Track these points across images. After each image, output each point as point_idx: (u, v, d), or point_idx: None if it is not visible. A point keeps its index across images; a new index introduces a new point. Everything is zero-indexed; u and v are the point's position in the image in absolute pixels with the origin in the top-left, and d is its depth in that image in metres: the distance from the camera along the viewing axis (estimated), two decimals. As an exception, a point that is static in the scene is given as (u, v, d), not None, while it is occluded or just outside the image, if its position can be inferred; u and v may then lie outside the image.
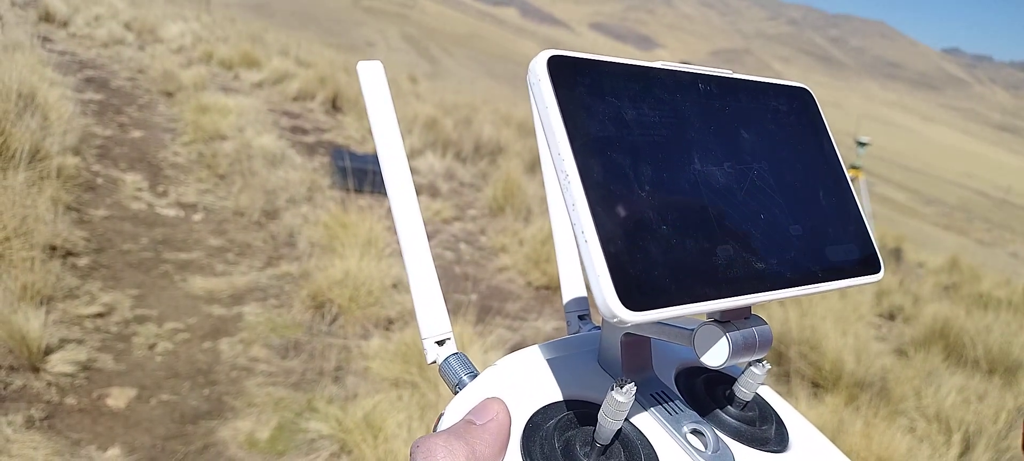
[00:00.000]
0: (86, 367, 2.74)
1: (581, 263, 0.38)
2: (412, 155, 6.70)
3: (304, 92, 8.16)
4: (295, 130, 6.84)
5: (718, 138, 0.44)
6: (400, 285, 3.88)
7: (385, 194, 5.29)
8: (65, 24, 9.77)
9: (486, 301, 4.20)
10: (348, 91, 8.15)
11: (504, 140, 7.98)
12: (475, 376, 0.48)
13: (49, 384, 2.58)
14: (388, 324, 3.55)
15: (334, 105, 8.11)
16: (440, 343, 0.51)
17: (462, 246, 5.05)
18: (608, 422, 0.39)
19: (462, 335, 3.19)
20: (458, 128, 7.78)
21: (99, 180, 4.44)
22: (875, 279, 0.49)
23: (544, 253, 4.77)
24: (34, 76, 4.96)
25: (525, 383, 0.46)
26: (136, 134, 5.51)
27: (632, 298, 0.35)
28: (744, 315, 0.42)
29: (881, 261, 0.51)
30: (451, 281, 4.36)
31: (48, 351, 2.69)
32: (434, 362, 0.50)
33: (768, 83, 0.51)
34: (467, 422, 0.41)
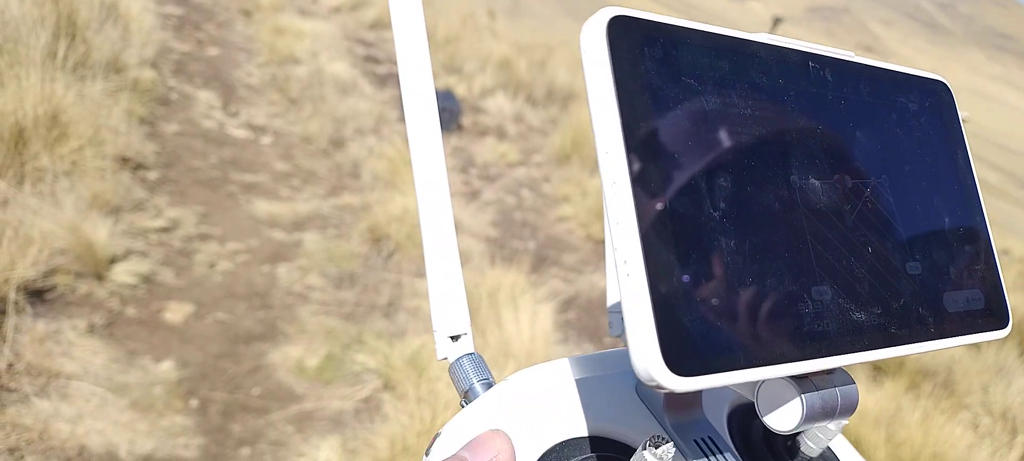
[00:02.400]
0: (148, 279, 2.83)
1: (620, 297, 0.28)
2: (482, 95, 6.67)
3: (380, 21, 8.15)
4: (368, 59, 6.86)
5: (827, 141, 0.35)
6: (457, 227, 3.88)
7: (450, 131, 5.26)
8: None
9: (543, 250, 4.18)
10: (427, 22, 8.12)
11: (578, 86, 7.87)
12: (489, 385, 0.42)
13: (111, 293, 2.67)
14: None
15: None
16: (454, 339, 0.44)
17: (524, 192, 5.03)
18: None
19: (515, 284, 3.19)
20: (532, 70, 7.69)
21: (173, 95, 4.53)
22: (1000, 336, 0.40)
23: (606, 206, 4.72)
24: (118, -13, 5.05)
25: (543, 408, 0.39)
26: (212, 52, 5.60)
27: (683, 359, 0.26)
28: (827, 370, 0.34)
29: (1010, 314, 0.41)
30: (510, 227, 4.35)
31: (113, 261, 2.77)
32: (445, 359, 0.44)
33: (897, 72, 0.40)
34: (459, 460, 0.34)
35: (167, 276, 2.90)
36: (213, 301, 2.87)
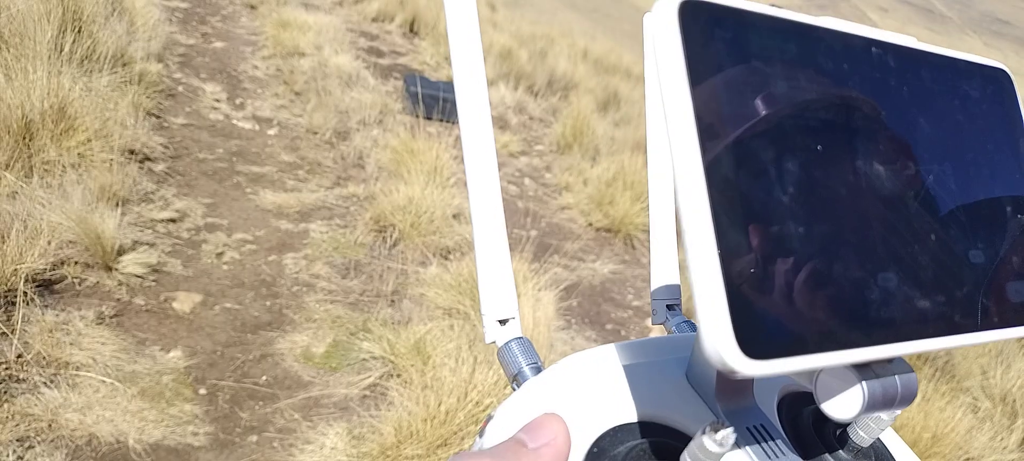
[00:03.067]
0: (156, 270, 2.86)
1: (685, 261, 0.28)
2: (485, 85, 6.67)
3: (383, 13, 8.17)
4: (371, 52, 6.88)
5: (891, 128, 0.34)
6: (461, 216, 3.91)
7: (454, 122, 5.29)
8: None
9: (545, 238, 4.21)
10: (427, 14, 8.14)
11: (578, 76, 7.88)
12: (538, 369, 0.42)
13: (120, 283, 2.71)
14: (446, 253, 3.60)
15: (412, 28, 8.11)
16: (502, 323, 0.44)
17: (526, 181, 5.06)
18: None
19: (517, 271, 3.22)
20: (533, 60, 7.70)
21: (180, 88, 4.56)
22: None
23: (608, 194, 4.74)
24: (123, -19, 5.08)
25: (595, 393, 0.38)
26: (218, 45, 5.63)
27: (755, 343, 0.26)
28: (887, 359, 0.33)
29: None
30: (512, 216, 4.38)
31: (121, 252, 2.81)
32: (493, 343, 0.44)
33: (959, 59, 0.40)
34: (517, 443, 0.34)
35: (175, 266, 2.94)
36: (221, 290, 2.91)
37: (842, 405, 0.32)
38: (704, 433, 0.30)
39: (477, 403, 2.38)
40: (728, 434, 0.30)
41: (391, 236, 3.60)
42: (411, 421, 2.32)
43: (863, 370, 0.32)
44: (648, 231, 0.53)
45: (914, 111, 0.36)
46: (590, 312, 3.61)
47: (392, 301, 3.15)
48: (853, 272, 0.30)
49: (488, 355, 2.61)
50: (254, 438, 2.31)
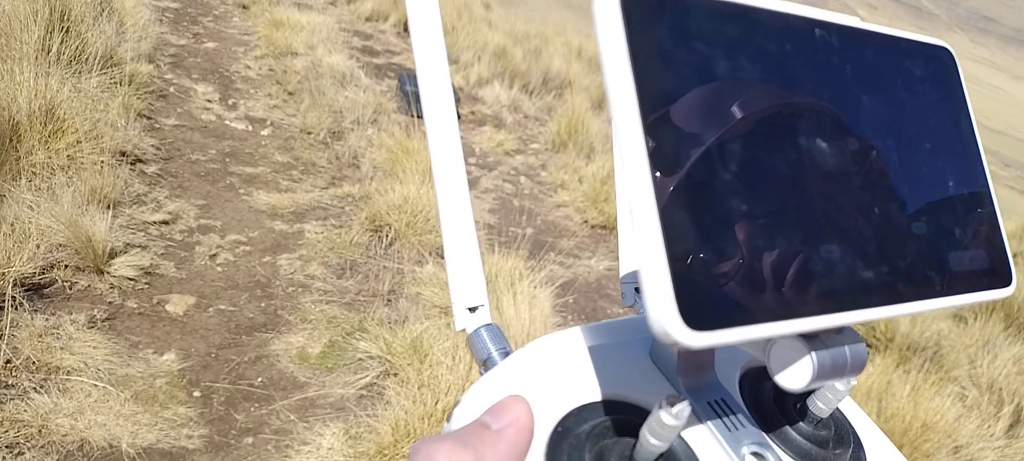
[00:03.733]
0: (148, 272, 2.82)
1: (637, 255, 0.29)
2: (479, 84, 6.66)
3: (377, 12, 8.14)
4: (365, 51, 6.85)
5: (834, 105, 0.35)
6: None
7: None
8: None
9: (541, 236, 4.18)
10: (420, 14, 8.10)
11: (573, 74, 7.85)
12: (506, 354, 0.43)
13: (112, 286, 2.67)
14: (442, 252, 3.57)
15: (405, 28, 8.07)
16: (472, 310, 0.45)
17: (522, 179, 5.03)
18: (651, 443, 0.32)
19: (513, 269, 3.19)
20: (527, 59, 7.67)
21: (171, 89, 4.52)
22: (1004, 295, 0.40)
23: (603, 192, 4.72)
24: (113, -18, 5.04)
25: (560, 374, 0.39)
26: (209, 45, 5.58)
27: (698, 315, 0.27)
28: (836, 329, 0.34)
29: (1014, 273, 0.41)
30: (508, 214, 4.35)
31: (112, 254, 2.77)
32: (463, 330, 0.45)
33: (902, 38, 0.40)
34: (481, 425, 0.35)
35: (168, 269, 2.90)
36: (214, 292, 2.87)
37: (794, 375, 0.33)
38: (660, 407, 0.31)
39: (475, 402, 2.35)
40: (684, 407, 0.31)
41: (387, 236, 3.56)
42: (408, 420, 2.28)
43: (813, 341, 0.33)
44: None
45: (857, 89, 0.36)
46: (586, 309, 3.58)
47: (388, 300, 3.11)
48: (796, 245, 0.31)
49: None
50: (250, 440, 2.27)
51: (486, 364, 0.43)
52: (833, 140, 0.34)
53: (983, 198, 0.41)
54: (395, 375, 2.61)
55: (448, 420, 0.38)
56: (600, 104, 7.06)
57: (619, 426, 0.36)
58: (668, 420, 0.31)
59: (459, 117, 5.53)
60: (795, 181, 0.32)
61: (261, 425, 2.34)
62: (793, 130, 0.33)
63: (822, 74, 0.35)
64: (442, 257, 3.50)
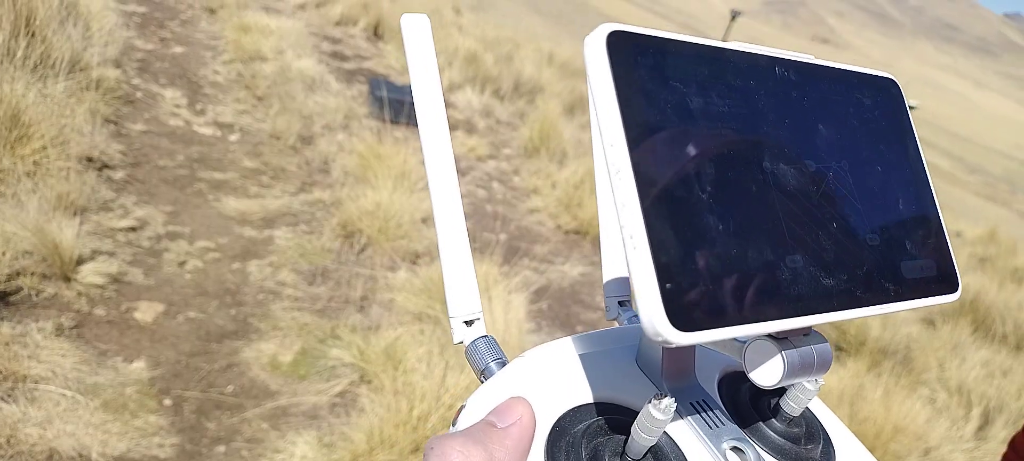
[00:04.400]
0: (116, 279, 2.78)
1: (627, 268, 0.34)
2: (450, 89, 6.65)
3: (346, 17, 8.11)
4: (335, 56, 6.81)
5: (794, 132, 0.39)
6: (430, 220, 3.88)
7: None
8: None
9: (514, 242, 4.18)
10: (391, 19, 8.08)
11: (544, 80, 7.88)
12: (503, 363, 0.46)
13: (79, 294, 2.63)
14: (415, 258, 3.56)
15: (375, 32, 8.05)
16: (469, 324, 0.48)
17: (494, 185, 5.03)
18: (642, 437, 0.36)
19: (487, 275, 3.19)
20: (499, 64, 7.68)
21: (138, 94, 4.47)
22: (951, 300, 0.45)
23: (576, 197, 4.74)
24: (78, -15, 4.97)
25: (555, 380, 0.43)
26: (177, 50, 5.52)
27: (682, 317, 0.31)
28: (803, 332, 0.39)
29: (959, 280, 0.46)
30: (481, 220, 4.35)
31: (80, 261, 2.73)
32: (461, 343, 0.48)
33: (852, 71, 0.45)
34: (487, 424, 0.38)
35: (136, 276, 2.86)
36: (184, 300, 2.84)
37: (766, 373, 0.38)
38: (650, 403, 0.35)
39: (449, 407, 2.35)
40: (670, 403, 0.35)
41: (359, 241, 3.55)
42: (383, 427, 2.27)
43: (783, 342, 0.37)
44: None
45: (814, 118, 0.41)
46: (560, 314, 3.59)
47: (361, 307, 3.10)
48: (765, 256, 0.35)
49: (460, 359, 2.58)
50: (222, 448, 2.25)
51: (483, 374, 0.46)
52: (793, 162, 0.39)
53: (929, 212, 0.46)
54: (369, 382, 2.60)
55: (454, 424, 0.41)
56: (572, 109, 7.09)
57: (611, 424, 0.40)
58: (657, 415, 0.35)
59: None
60: (763, 200, 0.36)
61: (233, 434, 2.32)
62: (758, 154, 0.37)
63: (783, 105, 0.39)
64: (414, 263, 3.49)
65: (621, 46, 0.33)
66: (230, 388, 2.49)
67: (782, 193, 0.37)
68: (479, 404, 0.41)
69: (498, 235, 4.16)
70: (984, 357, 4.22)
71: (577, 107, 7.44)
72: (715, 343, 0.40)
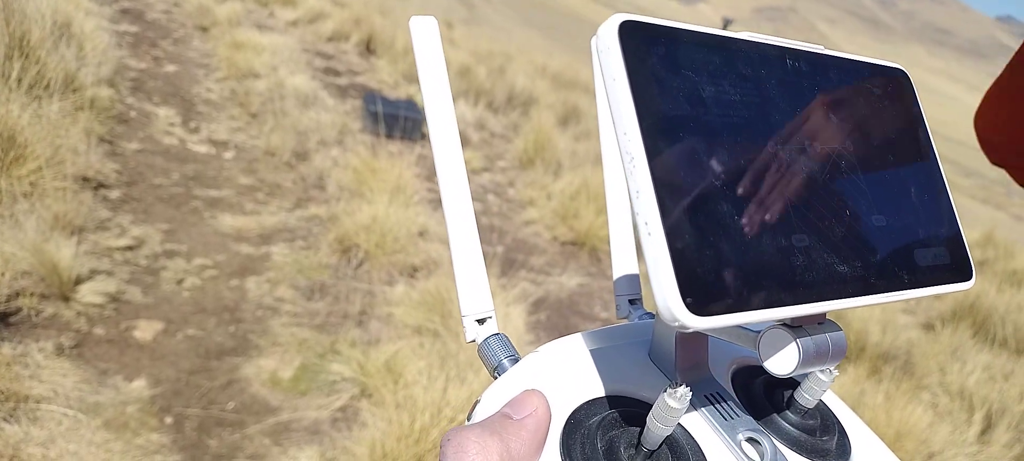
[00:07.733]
0: (115, 298, 2.78)
1: (641, 255, 0.34)
2: (444, 102, 6.66)
3: (339, 33, 8.13)
4: (328, 71, 6.83)
5: (805, 121, 0.40)
6: (426, 234, 3.88)
7: (415, 140, 5.27)
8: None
9: (511, 254, 4.19)
10: (382, 34, 8.11)
11: (537, 91, 7.91)
12: (516, 360, 0.46)
13: (78, 313, 2.63)
14: (413, 272, 3.57)
15: (368, 48, 8.07)
16: (480, 322, 0.48)
17: (490, 197, 5.04)
18: (657, 427, 0.36)
19: (486, 287, 3.19)
20: (491, 77, 7.71)
21: (132, 113, 4.47)
22: (966, 287, 0.45)
23: (572, 208, 4.75)
24: (70, 5, 4.97)
25: (568, 374, 0.44)
26: (170, 68, 5.53)
27: (698, 302, 0.31)
28: (818, 320, 0.39)
29: (973, 267, 0.46)
30: (478, 232, 4.35)
31: (78, 281, 2.73)
32: (473, 341, 0.48)
33: (862, 62, 0.45)
34: (503, 416, 0.38)
35: (135, 294, 2.86)
36: (183, 317, 2.84)
37: (781, 361, 0.37)
38: (665, 392, 0.35)
39: (451, 420, 2.35)
40: (685, 392, 0.35)
41: (356, 256, 3.55)
42: (385, 441, 2.27)
43: (797, 330, 0.37)
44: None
45: (824, 107, 0.41)
46: (559, 325, 3.60)
47: (360, 321, 3.10)
48: (779, 243, 0.35)
49: (460, 371, 2.59)
50: (223, 466, 2.25)
51: (497, 370, 0.46)
52: (806, 151, 0.39)
53: (942, 200, 0.46)
54: (370, 396, 2.60)
55: (469, 418, 0.42)
56: (566, 120, 7.11)
57: (625, 417, 0.40)
58: (673, 403, 0.35)
59: (425, 136, 5.54)
60: (776, 187, 0.36)
61: (235, 450, 2.31)
62: (772, 143, 0.38)
63: (794, 94, 0.40)
64: (412, 277, 3.49)
65: (633, 36, 0.34)
66: (231, 405, 2.48)
67: (794, 181, 0.37)
68: (494, 397, 0.42)
69: (495, 247, 4.17)
70: (985, 361, 4.23)
71: (571, 118, 7.46)
72: (729, 330, 0.40)
